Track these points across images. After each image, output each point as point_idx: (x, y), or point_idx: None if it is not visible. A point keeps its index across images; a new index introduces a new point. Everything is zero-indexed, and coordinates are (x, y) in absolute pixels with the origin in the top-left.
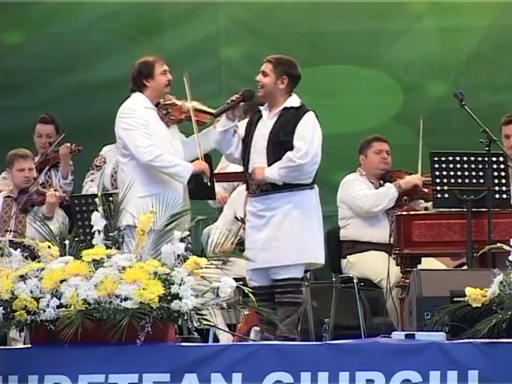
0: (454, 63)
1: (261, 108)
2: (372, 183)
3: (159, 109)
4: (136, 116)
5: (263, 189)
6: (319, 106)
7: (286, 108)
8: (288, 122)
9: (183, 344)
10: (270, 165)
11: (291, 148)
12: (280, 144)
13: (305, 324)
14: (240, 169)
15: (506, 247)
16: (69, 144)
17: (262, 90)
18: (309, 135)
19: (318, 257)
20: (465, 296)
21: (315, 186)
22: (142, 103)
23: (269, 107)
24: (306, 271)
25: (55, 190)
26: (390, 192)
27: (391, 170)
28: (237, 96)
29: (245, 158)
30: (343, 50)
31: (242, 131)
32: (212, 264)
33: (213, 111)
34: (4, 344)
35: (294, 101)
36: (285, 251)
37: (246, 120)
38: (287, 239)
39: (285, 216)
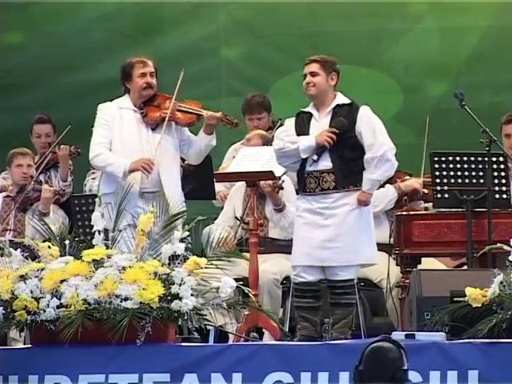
0: (454, 63)
1: (306, 109)
2: None
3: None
4: (99, 115)
5: (324, 187)
6: None
7: (338, 105)
8: (347, 118)
9: (183, 344)
10: (333, 162)
11: (353, 143)
12: (342, 140)
13: None
14: (240, 169)
15: (506, 247)
16: (68, 146)
17: (313, 89)
18: (379, 129)
19: (372, 256)
20: (465, 296)
21: None
22: (116, 104)
23: (317, 106)
24: None
25: (50, 186)
26: (389, 194)
27: None
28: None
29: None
30: (343, 50)
31: (292, 133)
32: (212, 264)
33: (199, 111)
34: (4, 344)
35: (343, 98)
36: (343, 252)
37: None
38: (347, 240)
39: (345, 216)
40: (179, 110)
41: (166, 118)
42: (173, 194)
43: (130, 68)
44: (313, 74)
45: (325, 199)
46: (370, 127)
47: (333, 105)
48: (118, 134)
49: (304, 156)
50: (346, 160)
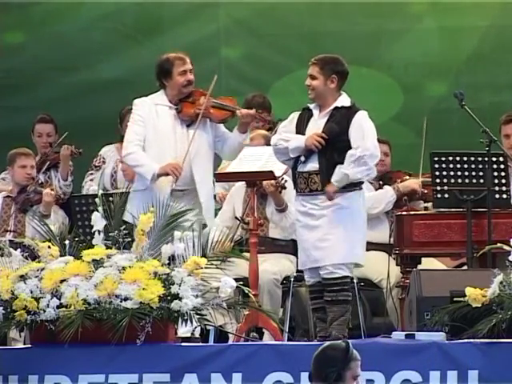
0: (454, 63)
1: (310, 106)
2: (371, 183)
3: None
4: (134, 111)
5: (312, 188)
6: None
7: (336, 107)
8: (340, 122)
9: (183, 344)
10: (320, 164)
11: (343, 147)
12: (333, 144)
13: (305, 324)
14: (240, 169)
15: (506, 247)
16: (70, 146)
17: (312, 93)
18: (370, 134)
19: (361, 257)
20: (465, 296)
21: (362, 186)
22: (151, 100)
23: (319, 107)
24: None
25: (52, 189)
26: (388, 195)
27: (390, 171)
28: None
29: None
30: (343, 50)
31: (292, 128)
32: (212, 264)
33: (233, 108)
34: (4, 344)
35: (344, 100)
36: (334, 251)
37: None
38: (336, 238)
39: (334, 216)
40: (214, 107)
41: (200, 114)
42: (205, 192)
43: (170, 65)
44: (311, 77)
45: (314, 200)
46: (360, 132)
47: (332, 107)
48: (153, 131)
49: (293, 155)
50: (333, 163)
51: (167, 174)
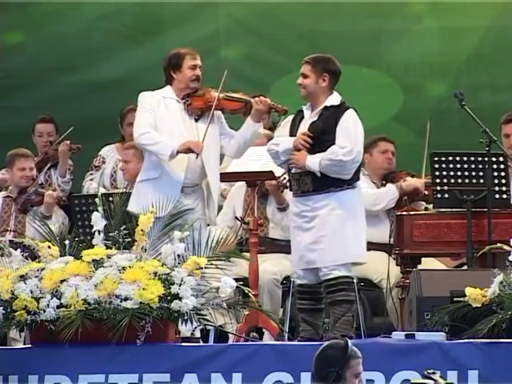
0: (454, 63)
1: (303, 108)
2: (374, 183)
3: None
4: (143, 100)
5: (304, 190)
6: None
7: (326, 107)
8: (328, 121)
9: (183, 344)
10: None
11: (331, 146)
12: (321, 143)
13: None
14: (240, 169)
15: (506, 247)
16: (68, 142)
17: (304, 91)
18: (352, 133)
19: (359, 255)
20: (465, 296)
21: (357, 184)
22: (158, 94)
23: (311, 106)
24: None
25: (53, 190)
26: (390, 192)
27: (393, 171)
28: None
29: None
30: (343, 50)
31: (286, 131)
32: (212, 264)
33: (246, 98)
34: (4, 344)
35: (334, 99)
36: (329, 252)
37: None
38: (330, 240)
39: (327, 217)
40: (226, 99)
41: (213, 106)
42: (215, 189)
43: (180, 58)
44: (303, 76)
45: (306, 201)
46: (347, 133)
47: (322, 106)
48: (163, 121)
49: (284, 158)
50: None
51: (188, 150)
